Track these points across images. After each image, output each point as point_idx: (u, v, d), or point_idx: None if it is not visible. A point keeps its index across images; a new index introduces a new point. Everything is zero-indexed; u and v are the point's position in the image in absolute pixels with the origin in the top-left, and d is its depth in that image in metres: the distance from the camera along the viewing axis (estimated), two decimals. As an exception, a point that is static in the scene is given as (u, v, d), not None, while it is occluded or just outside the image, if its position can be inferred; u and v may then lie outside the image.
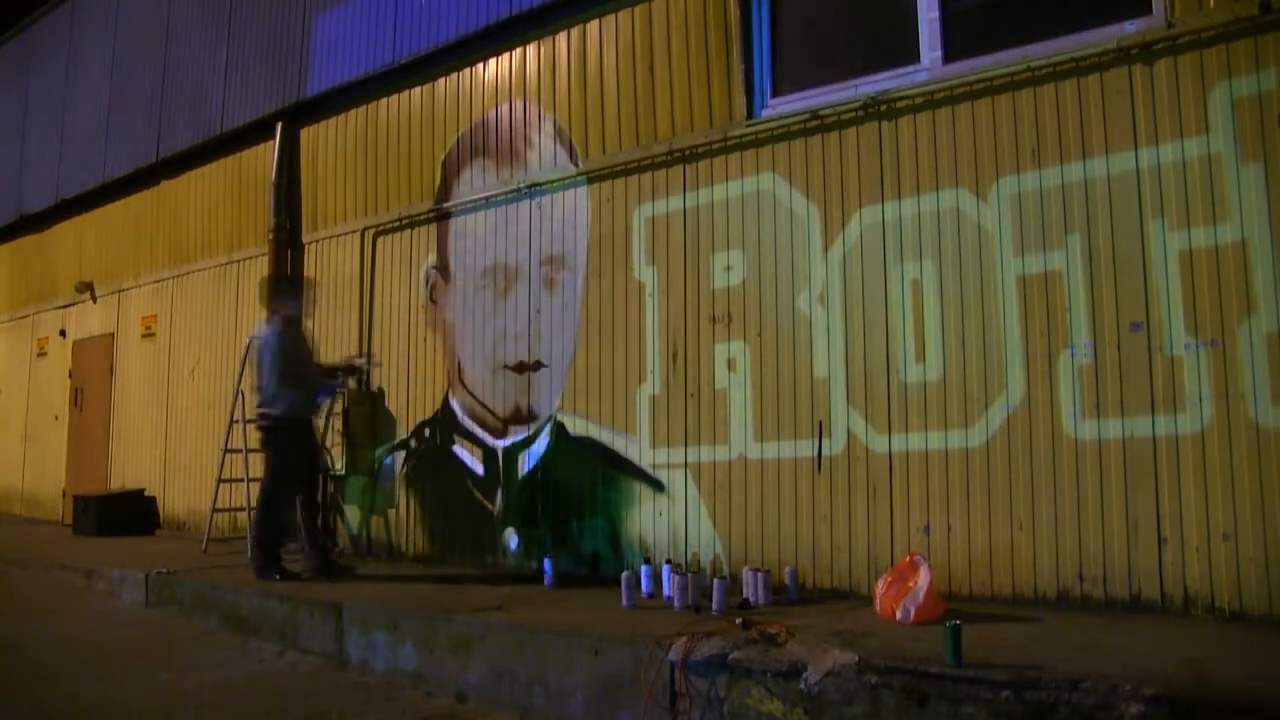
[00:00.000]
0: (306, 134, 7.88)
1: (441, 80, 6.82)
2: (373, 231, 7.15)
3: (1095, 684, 2.59)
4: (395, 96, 7.13)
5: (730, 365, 5.08)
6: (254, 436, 7.27)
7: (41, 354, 11.33)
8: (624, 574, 4.36)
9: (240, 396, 7.17)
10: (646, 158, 5.51)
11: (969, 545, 4.22)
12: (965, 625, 2.96)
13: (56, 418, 10.78)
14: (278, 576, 5.53)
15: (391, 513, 6.73)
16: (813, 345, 4.80)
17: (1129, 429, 3.89)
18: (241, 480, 6.94)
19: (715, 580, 4.12)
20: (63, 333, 10.88)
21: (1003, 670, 2.77)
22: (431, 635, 4.16)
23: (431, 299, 6.69)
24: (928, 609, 3.64)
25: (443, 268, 6.65)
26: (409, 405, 6.72)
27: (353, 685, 4.24)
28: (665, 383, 5.32)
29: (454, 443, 6.40)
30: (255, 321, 7.89)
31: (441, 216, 6.67)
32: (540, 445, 5.90)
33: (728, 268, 5.15)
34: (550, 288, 5.94)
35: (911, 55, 4.73)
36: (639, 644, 3.45)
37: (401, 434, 6.74)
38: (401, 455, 6.72)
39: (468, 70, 6.64)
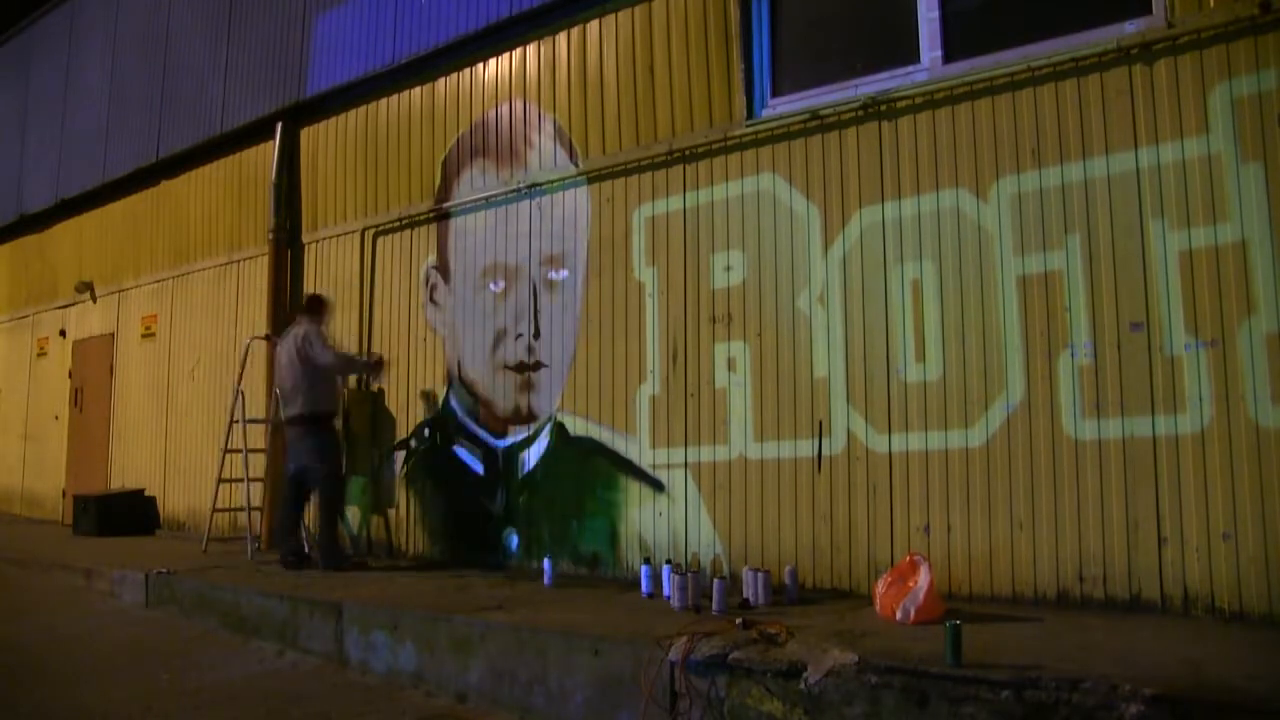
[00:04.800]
0: (306, 134, 7.87)
1: (441, 80, 6.81)
2: (373, 231, 7.15)
3: (1095, 684, 2.59)
4: (395, 96, 7.13)
5: (730, 365, 5.08)
6: (256, 436, 7.28)
7: (41, 354, 11.32)
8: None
9: (240, 396, 7.17)
10: (646, 158, 5.51)
11: (969, 545, 4.22)
12: (965, 625, 2.96)
13: (56, 418, 10.78)
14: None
15: (391, 512, 6.73)
16: (813, 345, 4.80)
17: (1129, 429, 3.89)
18: (241, 480, 6.94)
19: (715, 580, 4.13)
20: (63, 333, 10.88)
21: (1003, 670, 2.77)
22: (431, 635, 4.16)
23: (431, 299, 6.69)
24: (928, 609, 3.64)
25: (443, 268, 6.65)
26: (409, 405, 6.72)
27: (353, 685, 4.24)
28: (665, 383, 5.32)
29: (454, 443, 6.40)
30: (254, 321, 7.91)
31: (441, 216, 6.67)
32: (540, 445, 5.90)
33: (728, 268, 5.15)
34: (550, 288, 5.94)
35: (911, 55, 4.73)
36: (639, 644, 3.44)
37: (401, 434, 6.74)
38: (401, 455, 6.73)
39: (468, 70, 6.64)
